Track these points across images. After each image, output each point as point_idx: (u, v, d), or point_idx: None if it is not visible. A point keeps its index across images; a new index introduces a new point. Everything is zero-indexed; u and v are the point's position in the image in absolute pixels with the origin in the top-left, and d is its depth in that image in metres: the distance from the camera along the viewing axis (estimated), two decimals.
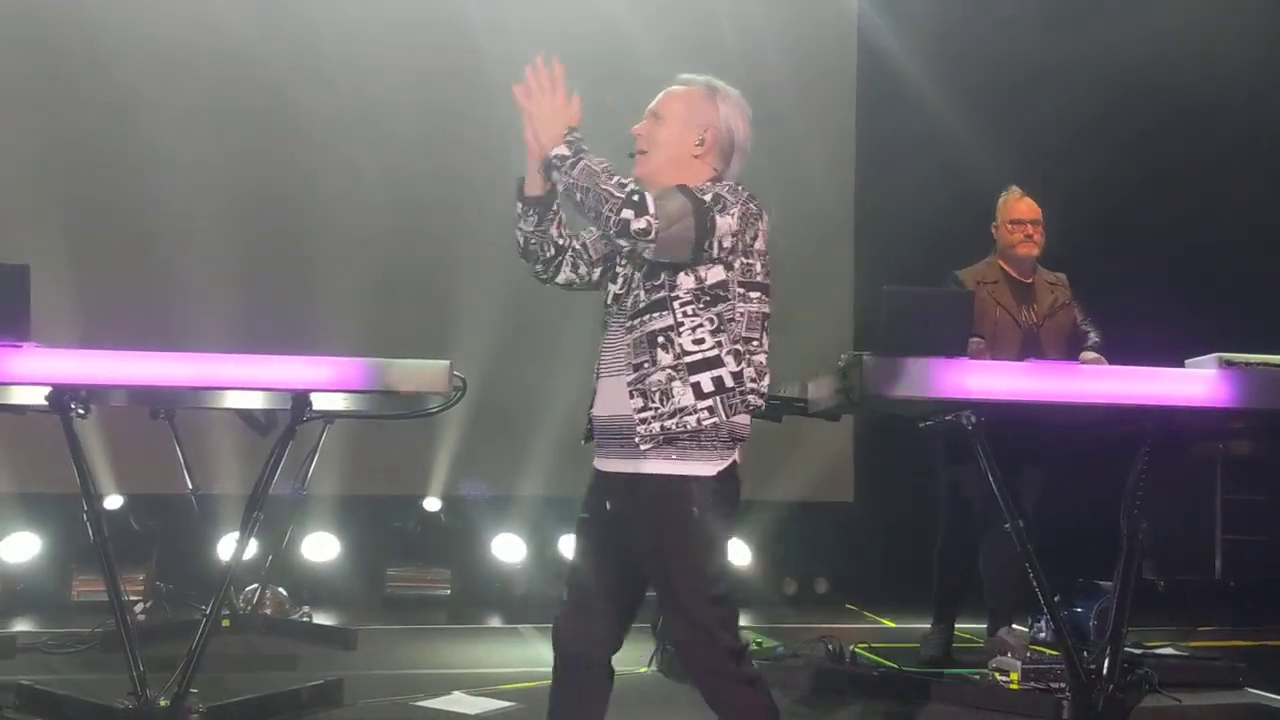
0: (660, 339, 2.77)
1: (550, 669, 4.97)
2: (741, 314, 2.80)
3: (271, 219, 7.11)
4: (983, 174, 6.83)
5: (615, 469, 2.85)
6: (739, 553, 7.05)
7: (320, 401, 4.19)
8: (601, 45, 7.19)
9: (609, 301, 2.96)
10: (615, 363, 2.87)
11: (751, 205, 2.82)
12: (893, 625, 6.61)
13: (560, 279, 3.02)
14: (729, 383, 2.75)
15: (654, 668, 4.99)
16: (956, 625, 5.34)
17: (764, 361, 2.85)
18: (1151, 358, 4.39)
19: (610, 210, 2.65)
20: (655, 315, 2.79)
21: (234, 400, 4.53)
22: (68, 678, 4.47)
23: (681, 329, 2.76)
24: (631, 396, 2.76)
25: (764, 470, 6.72)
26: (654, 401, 2.74)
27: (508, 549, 6.97)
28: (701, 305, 2.78)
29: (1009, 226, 5.27)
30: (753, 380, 2.80)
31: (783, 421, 5.06)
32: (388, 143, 7.21)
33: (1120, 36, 7.44)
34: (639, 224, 2.64)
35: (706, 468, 2.75)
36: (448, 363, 4.03)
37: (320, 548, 6.85)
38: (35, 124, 6.86)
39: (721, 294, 2.78)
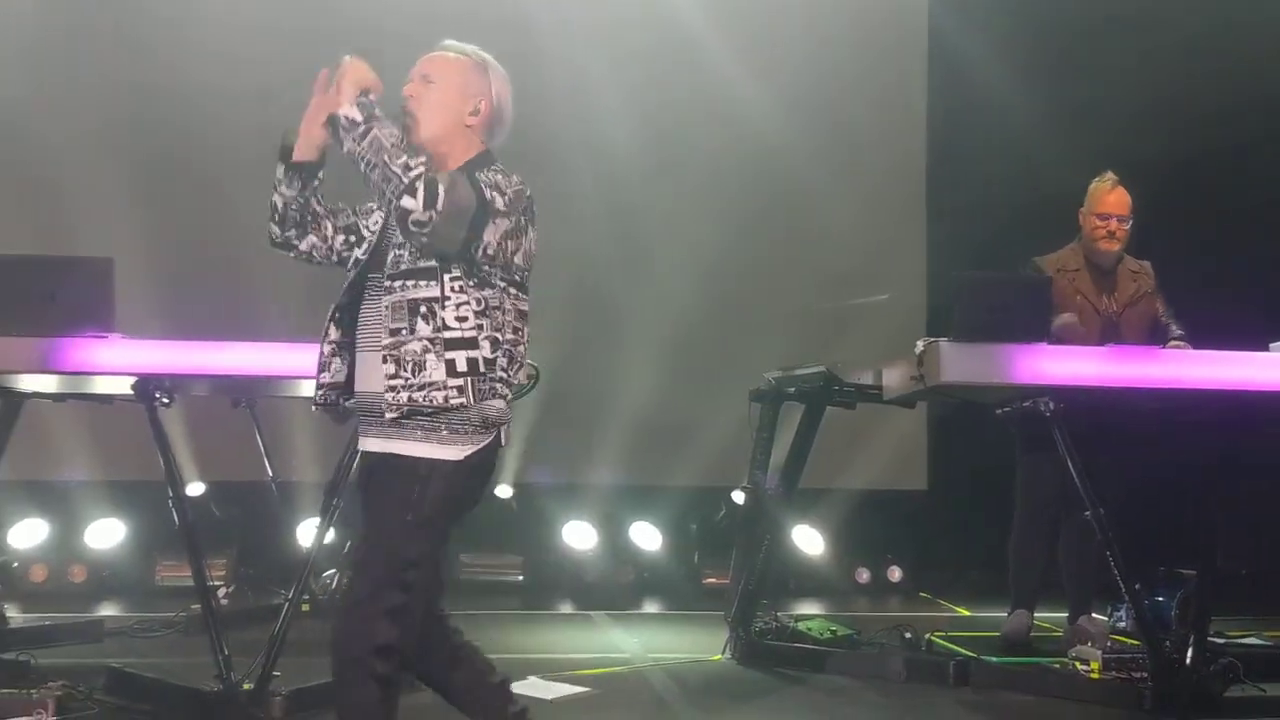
0: (423, 308, 2.66)
1: (623, 655, 5.04)
2: (510, 307, 2.75)
3: None
4: (1056, 152, 6.73)
5: (370, 448, 2.76)
6: (811, 541, 7.03)
7: None
8: (660, 35, 7.19)
9: (354, 267, 2.84)
10: (375, 335, 2.74)
11: (523, 219, 2.76)
12: (968, 614, 6.55)
13: (302, 246, 2.88)
14: (481, 367, 2.67)
15: (728, 655, 4.99)
16: (1035, 614, 5.27)
17: (524, 353, 2.81)
18: (1234, 342, 4.31)
19: (393, 193, 2.56)
20: (422, 283, 2.68)
21: (311, 388, 4.59)
22: (154, 661, 4.56)
23: (446, 303, 2.67)
24: (384, 362, 2.66)
25: (837, 458, 6.69)
26: (405, 371, 2.64)
27: (578, 536, 7.00)
28: (471, 284, 2.70)
29: (1094, 219, 5.11)
30: (504, 370, 2.73)
31: (856, 409, 5.06)
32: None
33: (1196, 10, 7.28)
34: (420, 215, 2.56)
35: (452, 451, 2.66)
36: None
37: None
38: (116, 120, 7.01)
39: (489, 280, 2.72)
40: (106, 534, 6.63)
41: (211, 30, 7.12)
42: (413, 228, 2.56)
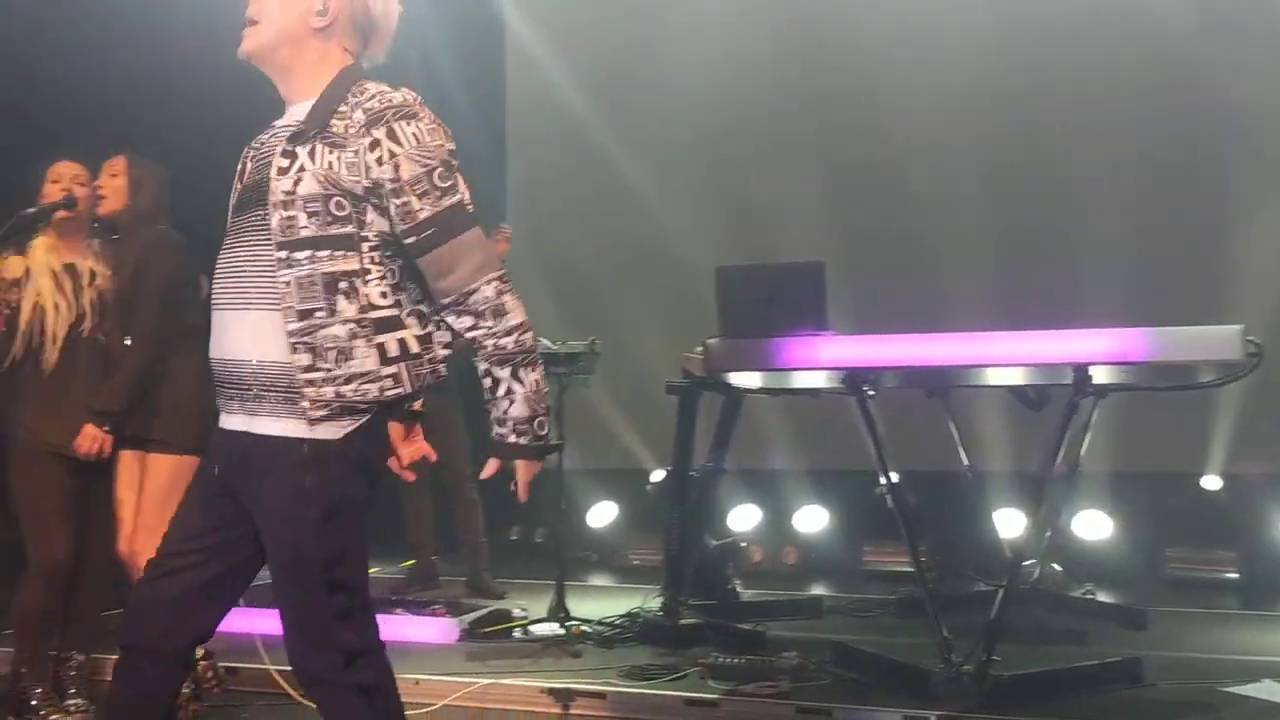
0: (343, 284, 2.25)
1: None
2: None
3: (1024, 196, 7.13)
4: None
5: (232, 425, 2.35)
6: None
7: (1098, 375, 4.11)
8: None
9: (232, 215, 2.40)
10: (244, 292, 2.31)
11: (449, 146, 2.35)
12: None
13: None
14: (414, 348, 2.30)
15: None
16: None
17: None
18: None
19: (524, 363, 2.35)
20: (338, 254, 2.25)
21: (1005, 377, 4.60)
22: (871, 639, 4.80)
23: (369, 278, 2.27)
24: (295, 350, 2.24)
25: None
26: (326, 361, 2.24)
27: None
28: (389, 253, 2.29)
29: None
30: (444, 346, 2.38)
31: None
32: (1135, 106, 6.91)
33: None
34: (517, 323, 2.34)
35: (331, 429, 2.26)
36: (1240, 328, 3.75)
37: (1093, 526, 6.70)
38: (812, 129, 7.52)
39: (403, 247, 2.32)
40: (813, 519, 7.13)
41: (882, 28, 7.41)
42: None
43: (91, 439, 3.86)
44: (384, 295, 2.27)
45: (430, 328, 2.35)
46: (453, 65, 7.87)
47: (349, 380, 2.24)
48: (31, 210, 3.93)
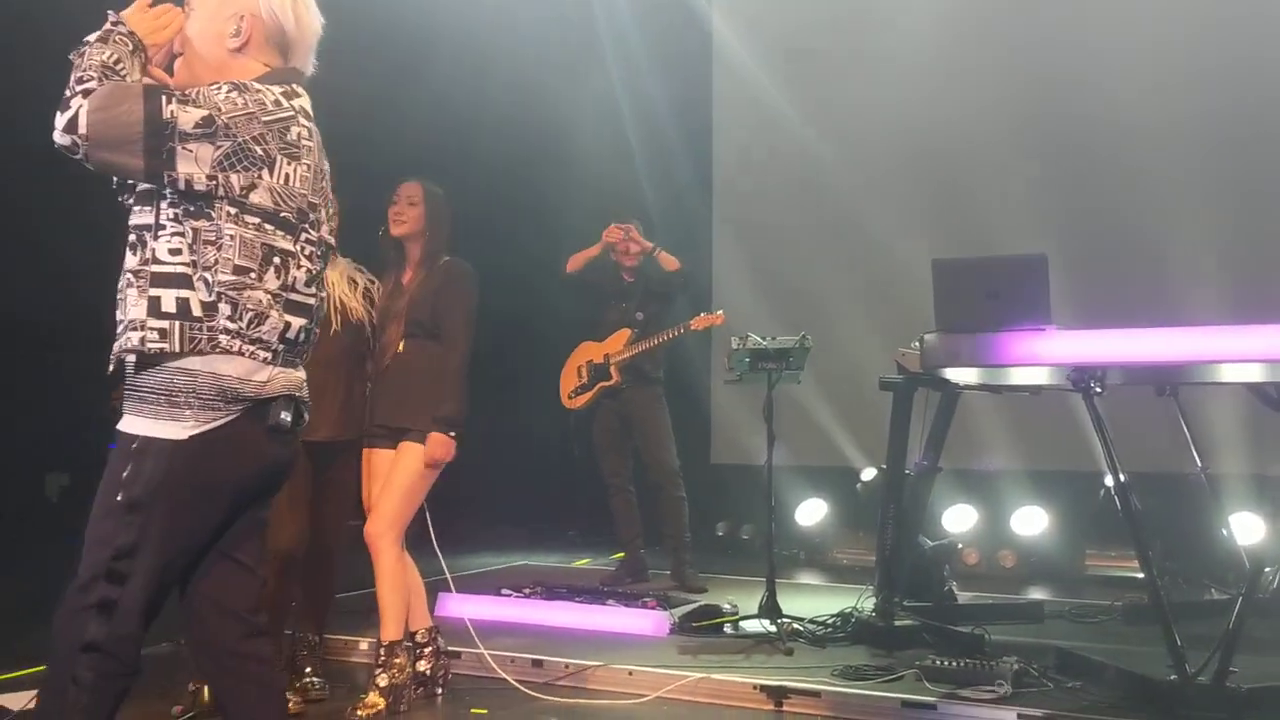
0: (133, 236, 2.36)
1: None
2: (231, 238, 2.32)
3: (1255, 182, 6.78)
4: None
5: None
6: None
7: None
8: None
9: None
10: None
11: (262, 148, 2.32)
12: None
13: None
14: (195, 311, 2.31)
15: None
16: None
17: (263, 300, 2.36)
18: None
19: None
20: (138, 208, 2.37)
21: (1242, 374, 4.34)
22: (1095, 645, 4.62)
23: (161, 233, 2.33)
24: (117, 304, 2.40)
25: None
26: (121, 310, 2.36)
27: None
28: (184, 213, 2.33)
29: None
30: (230, 319, 2.32)
31: None
32: None
33: None
34: (59, 137, 2.23)
35: (174, 429, 2.29)
36: None
37: None
38: (1022, 119, 7.31)
39: (204, 208, 2.32)
40: (1031, 521, 6.90)
41: (1112, 38, 7.13)
42: (62, 152, 2.26)
43: (442, 445, 4.05)
44: (173, 252, 2.33)
45: (223, 303, 2.32)
46: (660, 88, 8.02)
47: (125, 330, 2.35)
48: None
